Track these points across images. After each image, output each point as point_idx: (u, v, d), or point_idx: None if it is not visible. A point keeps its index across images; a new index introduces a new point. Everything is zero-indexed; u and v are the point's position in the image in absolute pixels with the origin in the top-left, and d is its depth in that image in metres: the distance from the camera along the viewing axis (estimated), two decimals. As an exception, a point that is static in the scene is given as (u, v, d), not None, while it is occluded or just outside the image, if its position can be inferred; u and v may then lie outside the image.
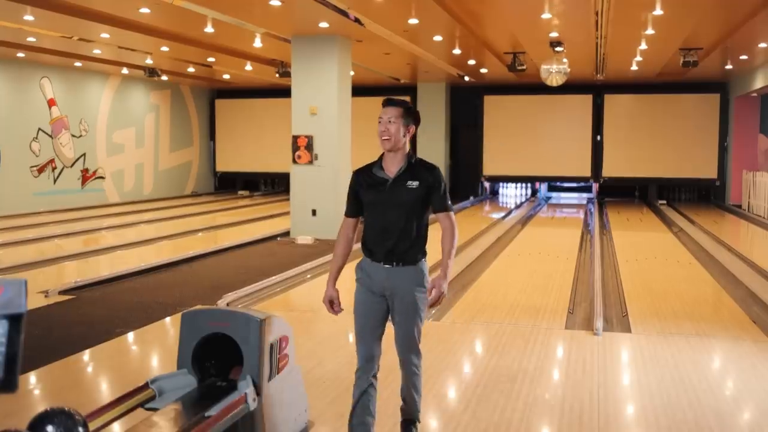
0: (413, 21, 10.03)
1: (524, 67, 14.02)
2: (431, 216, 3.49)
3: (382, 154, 3.47)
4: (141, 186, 19.49)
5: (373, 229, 3.42)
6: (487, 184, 20.84)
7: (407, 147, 3.45)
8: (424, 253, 3.49)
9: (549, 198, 20.31)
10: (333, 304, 3.42)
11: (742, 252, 10.48)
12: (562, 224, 15.51)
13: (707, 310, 7.17)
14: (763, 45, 12.49)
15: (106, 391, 4.70)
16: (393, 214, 3.36)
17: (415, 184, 3.37)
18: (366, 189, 3.45)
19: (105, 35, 11.92)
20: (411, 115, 3.42)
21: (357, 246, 3.49)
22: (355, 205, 3.51)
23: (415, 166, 3.42)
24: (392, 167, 3.43)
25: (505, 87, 19.61)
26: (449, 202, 3.49)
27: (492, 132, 20.32)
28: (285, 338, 3.55)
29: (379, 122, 3.39)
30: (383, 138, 3.37)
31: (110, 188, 18.33)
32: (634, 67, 15.58)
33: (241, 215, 15.60)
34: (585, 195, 20.17)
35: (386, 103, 3.43)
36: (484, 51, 13.73)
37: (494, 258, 9.97)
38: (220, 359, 3.40)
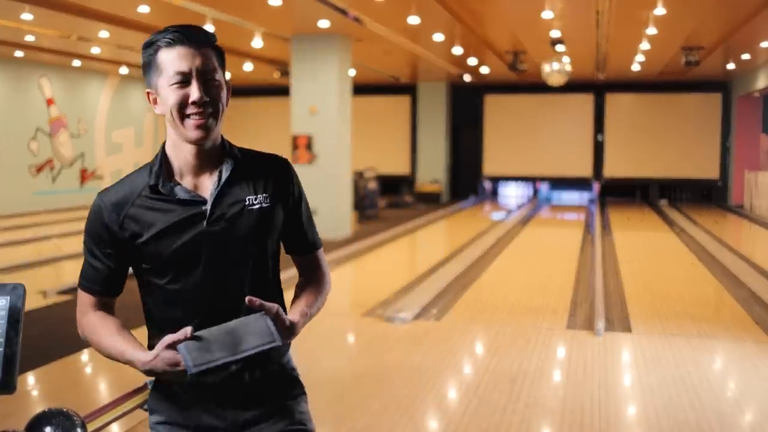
0: (413, 20, 10.01)
1: (525, 67, 14.00)
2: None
3: (163, 155, 1.71)
4: (141, 185, 19.46)
5: (185, 306, 1.69)
6: (487, 184, 20.82)
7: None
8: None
9: (550, 198, 20.29)
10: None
11: (743, 252, 10.46)
12: (563, 224, 15.50)
13: (709, 311, 7.15)
14: (765, 44, 12.47)
15: (104, 392, 4.68)
16: (227, 267, 1.69)
17: (260, 199, 1.72)
18: (152, 231, 1.65)
19: (104, 34, 11.90)
20: (224, 59, 1.72)
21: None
22: (115, 273, 1.74)
23: (244, 163, 1.74)
24: (205, 176, 1.71)
25: (505, 86, 19.59)
26: (316, 230, 1.95)
27: (493, 132, 20.30)
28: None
29: (177, 84, 1.62)
30: (198, 119, 1.63)
31: (110, 188, 18.31)
32: (636, 67, 15.56)
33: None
34: (586, 195, 20.15)
35: (183, 40, 1.62)
36: (485, 50, 13.71)
37: (495, 258, 9.95)
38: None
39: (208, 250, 1.66)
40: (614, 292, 7.72)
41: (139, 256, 1.69)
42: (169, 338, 1.54)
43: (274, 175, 1.76)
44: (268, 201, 1.72)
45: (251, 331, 1.56)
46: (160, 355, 1.55)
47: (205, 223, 1.66)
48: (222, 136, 1.74)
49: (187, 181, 1.69)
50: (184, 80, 1.62)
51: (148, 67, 1.67)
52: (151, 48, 1.65)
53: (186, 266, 1.67)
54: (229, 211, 1.68)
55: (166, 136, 1.72)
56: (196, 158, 1.69)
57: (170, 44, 1.62)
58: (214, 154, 1.71)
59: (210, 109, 1.64)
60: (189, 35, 1.63)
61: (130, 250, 1.68)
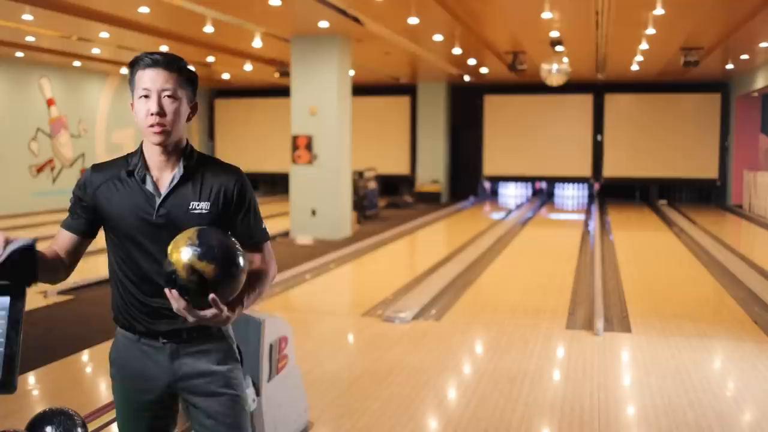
0: (413, 20, 10.01)
1: (524, 67, 14.00)
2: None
3: (141, 150, 2.09)
4: (141, 186, 19.46)
5: (127, 269, 2.07)
6: (487, 184, 20.83)
7: (185, 136, 2.11)
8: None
9: (549, 198, 20.29)
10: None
11: (743, 252, 10.47)
12: (562, 224, 15.50)
13: (708, 311, 7.16)
14: (764, 44, 12.47)
15: (105, 392, 4.69)
16: (161, 252, 1.94)
17: (202, 206, 2.04)
18: (115, 207, 2.05)
19: (104, 34, 11.90)
20: (194, 83, 2.09)
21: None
22: (84, 225, 2.11)
23: (197, 169, 2.08)
24: (166, 173, 2.06)
25: (505, 87, 19.60)
26: (265, 229, 2.19)
27: (492, 132, 20.31)
28: (284, 339, 3.53)
29: (144, 98, 2.00)
30: (155, 128, 1.99)
31: (110, 188, 18.32)
32: (635, 67, 15.57)
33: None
34: (586, 195, 20.15)
35: (152, 63, 2.01)
36: (485, 50, 13.71)
37: (494, 258, 9.95)
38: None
39: (150, 236, 2.03)
40: (614, 292, 7.73)
41: (104, 222, 2.09)
42: None
43: (219, 184, 2.08)
44: (208, 208, 2.05)
45: None
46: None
47: (153, 215, 2.03)
48: (187, 141, 2.11)
49: (152, 175, 2.07)
50: (147, 95, 2.01)
51: (130, 83, 2.07)
52: (133, 68, 2.06)
53: (133, 242, 2.04)
54: (173, 211, 2.03)
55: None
56: (159, 158, 2.06)
57: (145, 66, 2.03)
58: (174, 156, 2.07)
59: (164, 119, 2.00)
60: (159, 61, 2.02)
61: (97, 215, 2.09)
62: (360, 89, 15.78)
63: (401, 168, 20.72)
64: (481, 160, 20.46)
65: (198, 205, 2.04)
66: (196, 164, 2.08)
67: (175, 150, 2.06)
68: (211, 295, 1.84)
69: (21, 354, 1.73)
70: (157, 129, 1.99)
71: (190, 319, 1.88)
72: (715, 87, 18.77)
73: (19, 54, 14.51)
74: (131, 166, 2.07)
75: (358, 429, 3.96)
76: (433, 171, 19.88)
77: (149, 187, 2.04)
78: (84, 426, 1.94)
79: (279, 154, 18.69)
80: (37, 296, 7.13)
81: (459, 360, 5.37)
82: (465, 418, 4.12)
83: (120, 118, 18.65)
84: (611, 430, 3.97)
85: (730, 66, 15.38)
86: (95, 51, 13.97)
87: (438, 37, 11.93)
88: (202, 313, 1.86)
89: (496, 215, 16.18)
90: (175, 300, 1.85)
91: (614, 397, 4.52)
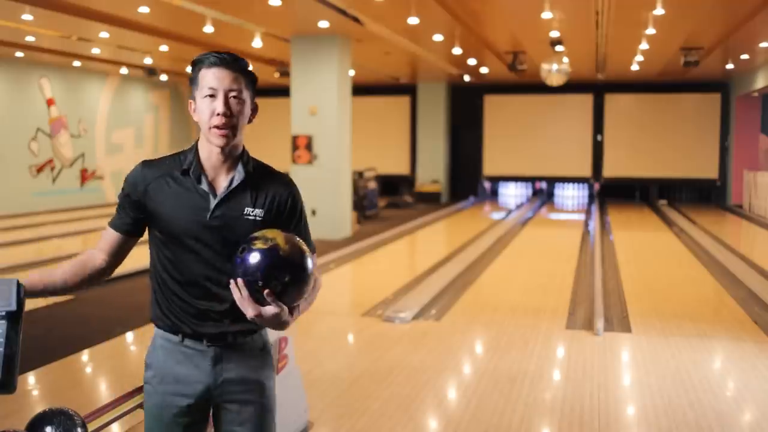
0: (413, 20, 10.01)
1: (524, 67, 14.00)
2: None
3: (196, 149, 2.05)
4: (141, 186, 19.45)
5: (173, 272, 2.02)
6: (487, 184, 20.83)
7: (242, 141, 2.08)
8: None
9: (549, 198, 20.29)
10: None
11: (743, 252, 10.47)
12: (562, 224, 15.50)
13: (708, 311, 7.16)
14: (764, 44, 12.47)
15: (105, 392, 4.69)
16: (214, 255, 1.98)
17: (257, 212, 2.01)
18: (169, 205, 2.00)
19: (104, 35, 11.90)
20: (255, 84, 2.07)
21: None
22: (133, 223, 2.06)
23: (253, 175, 2.05)
24: (221, 175, 2.03)
25: (505, 87, 19.60)
26: (312, 241, 2.11)
27: (492, 132, 20.31)
28: (284, 339, 3.53)
29: (209, 97, 1.96)
30: (221, 129, 1.96)
31: (109, 188, 18.31)
32: (635, 67, 15.57)
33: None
34: (586, 195, 20.15)
35: (219, 62, 1.96)
36: (485, 50, 13.71)
37: (494, 258, 9.95)
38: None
39: (200, 237, 1.98)
40: (614, 292, 7.73)
41: (152, 220, 2.02)
42: None
43: (274, 193, 2.04)
44: (262, 215, 2.01)
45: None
46: None
47: (208, 216, 1.97)
48: (243, 147, 2.07)
49: (207, 175, 2.02)
50: (213, 95, 1.95)
51: (192, 81, 2.02)
52: (196, 66, 2.00)
53: (181, 242, 1.99)
54: (228, 214, 1.98)
55: (200, 136, 2.05)
56: (217, 159, 2.01)
57: (210, 65, 1.97)
58: (232, 159, 2.03)
59: (231, 121, 1.96)
60: (225, 60, 1.97)
61: (147, 212, 2.02)
62: (360, 89, 15.78)
63: (401, 168, 20.72)
64: (481, 160, 20.45)
65: (252, 211, 2.00)
66: (253, 171, 2.04)
67: (232, 152, 2.02)
68: (267, 290, 1.81)
69: (21, 354, 1.73)
70: (222, 130, 1.95)
71: (251, 313, 1.84)
72: (715, 87, 18.76)
73: (19, 54, 14.51)
74: (186, 164, 2.01)
75: (358, 429, 3.96)
76: (433, 171, 19.88)
77: (205, 187, 1.99)
78: (84, 426, 1.94)
79: (279, 154, 18.58)
80: (37, 296, 7.12)
81: (459, 360, 5.37)
82: (465, 418, 4.12)
83: (120, 118, 18.64)
84: (611, 430, 3.97)
85: (730, 66, 15.37)
86: (95, 51, 13.97)
87: (438, 37, 11.93)
88: (265, 308, 1.84)
89: (496, 215, 16.18)
90: (241, 289, 1.83)
91: (614, 397, 4.52)
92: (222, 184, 2.01)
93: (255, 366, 2.06)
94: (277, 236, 1.87)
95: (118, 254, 2.08)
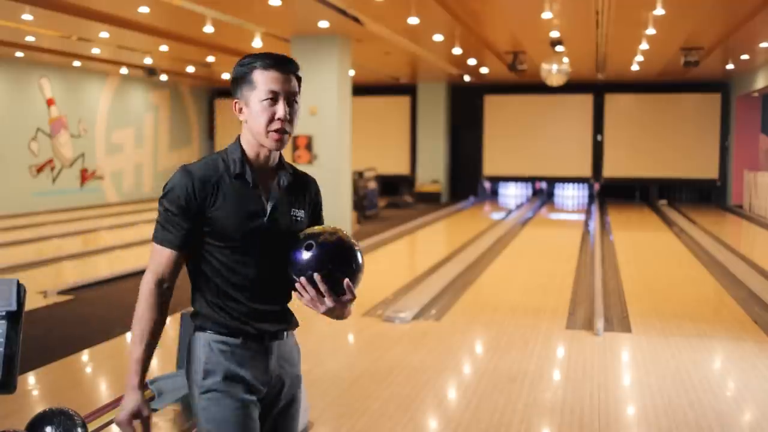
0: (413, 20, 10.01)
1: (524, 67, 14.00)
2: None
3: (238, 149, 2.02)
4: (140, 186, 19.47)
5: (235, 276, 1.98)
6: (487, 184, 20.83)
7: None
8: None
9: (549, 198, 20.30)
10: (140, 417, 1.91)
11: (743, 252, 10.47)
12: (562, 224, 15.50)
13: (708, 311, 7.16)
14: (764, 45, 12.48)
15: (105, 392, 4.69)
16: (273, 255, 1.99)
17: (300, 213, 2.08)
18: (227, 209, 1.96)
19: (104, 35, 11.90)
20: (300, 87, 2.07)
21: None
22: (188, 234, 1.96)
23: (296, 178, 2.12)
24: (265, 176, 2.04)
25: (505, 87, 19.60)
26: None
27: (492, 132, 20.31)
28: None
29: (269, 100, 1.95)
30: (280, 132, 1.96)
31: (109, 188, 18.32)
32: (635, 67, 15.57)
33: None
34: (586, 195, 20.16)
35: (277, 65, 1.97)
36: (485, 50, 13.71)
37: (494, 258, 9.95)
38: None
39: (257, 240, 1.97)
40: (614, 292, 7.73)
41: (208, 227, 1.95)
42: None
43: (308, 193, 2.13)
44: (303, 215, 2.08)
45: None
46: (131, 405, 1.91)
47: (265, 219, 1.98)
48: None
49: (258, 177, 2.01)
50: (274, 98, 1.94)
51: (240, 80, 1.98)
52: (247, 66, 1.97)
53: (238, 246, 1.96)
54: (280, 216, 2.01)
55: (242, 135, 2.02)
56: (265, 160, 2.02)
57: (267, 67, 1.95)
58: (276, 160, 2.05)
59: (289, 125, 1.96)
60: (282, 63, 1.98)
61: (204, 219, 1.95)
62: (360, 89, 15.78)
63: (401, 168, 20.72)
64: (481, 160, 20.46)
65: (297, 212, 2.06)
66: (293, 172, 2.10)
67: (275, 155, 2.04)
68: (346, 280, 1.92)
69: (21, 354, 1.73)
70: (280, 135, 1.95)
71: (328, 304, 1.92)
72: (715, 87, 18.77)
73: (19, 54, 14.51)
74: (236, 167, 1.97)
75: (358, 429, 3.96)
76: (433, 171, 19.88)
77: (258, 190, 1.99)
78: (84, 426, 1.94)
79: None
80: (37, 296, 7.13)
81: (459, 360, 5.37)
82: (465, 418, 4.12)
83: (120, 118, 18.65)
84: (611, 430, 3.97)
85: (730, 66, 15.38)
86: (95, 51, 13.97)
87: (438, 37, 11.93)
88: (344, 297, 1.95)
89: (496, 215, 16.18)
90: (319, 285, 1.90)
91: (614, 397, 4.52)
92: (269, 185, 2.02)
93: (296, 361, 2.12)
94: (334, 230, 1.99)
95: (177, 273, 2.01)
